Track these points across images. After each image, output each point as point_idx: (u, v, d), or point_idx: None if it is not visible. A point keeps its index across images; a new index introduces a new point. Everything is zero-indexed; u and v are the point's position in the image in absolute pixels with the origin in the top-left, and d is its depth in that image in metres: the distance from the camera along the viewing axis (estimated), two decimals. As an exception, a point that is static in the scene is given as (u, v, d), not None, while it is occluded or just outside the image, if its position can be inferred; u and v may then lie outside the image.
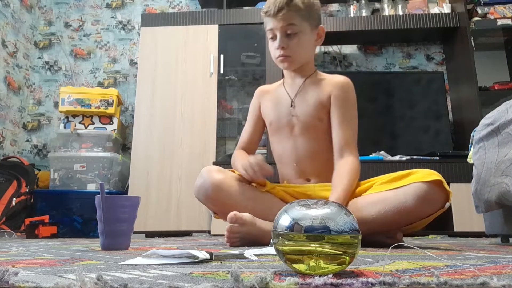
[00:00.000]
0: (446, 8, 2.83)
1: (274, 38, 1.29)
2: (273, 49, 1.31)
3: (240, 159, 1.30)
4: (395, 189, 1.11)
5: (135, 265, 0.63)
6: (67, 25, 3.36)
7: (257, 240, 1.12)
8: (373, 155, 2.46)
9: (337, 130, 1.28)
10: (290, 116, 1.35)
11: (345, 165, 1.23)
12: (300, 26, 1.26)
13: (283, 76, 1.46)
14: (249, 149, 1.44)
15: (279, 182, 1.49)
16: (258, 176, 1.19)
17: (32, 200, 2.58)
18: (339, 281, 0.42)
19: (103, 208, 1.00)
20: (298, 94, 1.35)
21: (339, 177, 1.21)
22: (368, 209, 1.12)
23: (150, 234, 2.53)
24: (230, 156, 1.41)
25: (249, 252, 0.80)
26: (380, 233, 1.14)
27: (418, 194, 1.06)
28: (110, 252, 0.94)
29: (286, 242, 0.50)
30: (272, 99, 1.41)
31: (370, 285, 0.41)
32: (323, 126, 1.31)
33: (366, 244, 0.94)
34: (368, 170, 2.31)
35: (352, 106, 1.32)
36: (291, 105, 1.35)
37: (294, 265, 0.50)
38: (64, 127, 2.72)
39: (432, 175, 1.08)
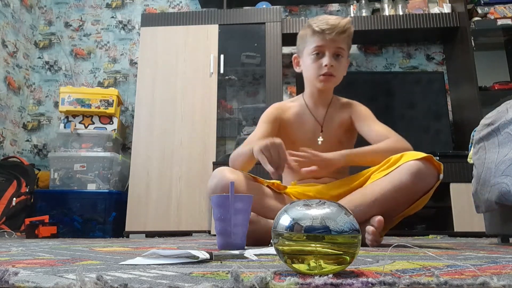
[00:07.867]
0: (446, 8, 2.83)
1: (319, 55, 1.35)
2: (317, 65, 1.36)
3: (248, 145, 1.24)
4: (390, 172, 1.17)
5: (135, 265, 0.63)
6: (67, 25, 3.36)
7: (263, 238, 1.13)
8: (373, 155, 2.46)
9: (375, 130, 1.36)
10: (316, 139, 1.43)
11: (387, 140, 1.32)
12: (345, 51, 1.37)
13: (301, 90, 1.50)
14: None
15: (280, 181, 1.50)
16: (275, 160, 1.10)
17: (32, 200, 2.58)
18: (339, 281, 0.42)
19: (232, 207, 0.93)
20: (325, 120, 1.44)
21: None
22: (369, 192, 1.18)
23: (150, 234, 2.53)
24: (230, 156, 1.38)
25: (249, 252, 0.80)
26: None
27: (412, 171, 1.12)
28: (110, 252, 0.94)
29: (286, 242, 0.50)
30: (297, 119, 1.45)
31: (370, 285, 0.41)
32: (342, 148, 1.40)
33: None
34: (368, 170, 2.31)
35: (372, 114, 1.44)
36: (321, 130, 1.43)
37: (294, 265, 0.50)
38: (64, 127, 2.72)
39: (421, 154, 1.15)
